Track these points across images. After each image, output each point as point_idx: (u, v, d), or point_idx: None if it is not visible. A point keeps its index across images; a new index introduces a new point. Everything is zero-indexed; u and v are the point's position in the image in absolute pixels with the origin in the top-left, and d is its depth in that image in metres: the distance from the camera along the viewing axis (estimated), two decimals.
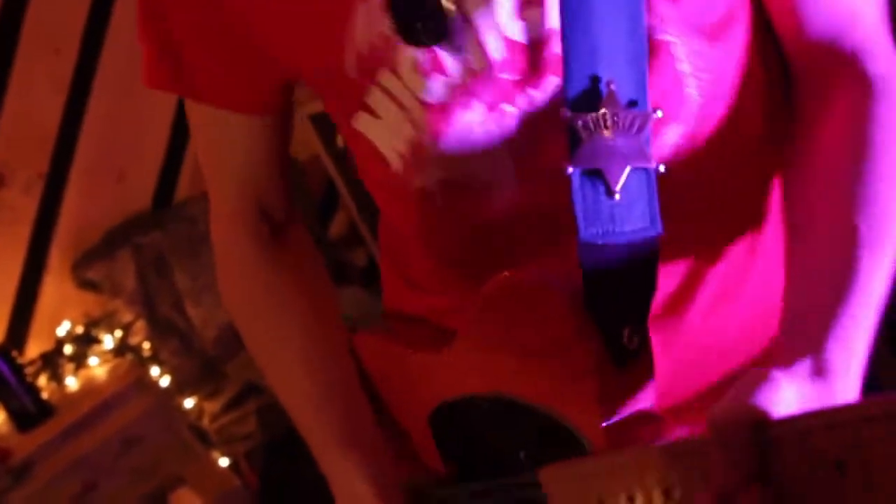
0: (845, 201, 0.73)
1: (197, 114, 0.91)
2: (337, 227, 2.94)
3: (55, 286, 2.77)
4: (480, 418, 0.81)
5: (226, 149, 0.94)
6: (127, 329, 2.58)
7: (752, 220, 0.85)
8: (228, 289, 0.98)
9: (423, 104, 0.76)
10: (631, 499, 0.65)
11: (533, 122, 0.76)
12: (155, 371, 2.51)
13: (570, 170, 0.72)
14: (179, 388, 2.47)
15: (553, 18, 0.73)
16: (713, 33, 0.76)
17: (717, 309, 0.84)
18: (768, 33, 0.83)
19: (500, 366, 0.78)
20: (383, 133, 0.81)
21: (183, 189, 2.82)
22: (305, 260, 0.99)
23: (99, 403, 2.40)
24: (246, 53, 0.84)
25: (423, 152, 0.79)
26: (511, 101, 0.76)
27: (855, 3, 0.80)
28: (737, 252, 0.84)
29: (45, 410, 2.42)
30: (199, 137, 0.94)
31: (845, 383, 0.63)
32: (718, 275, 0.84)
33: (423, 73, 0.76)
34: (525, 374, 0.77)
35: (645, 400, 0.76)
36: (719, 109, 0.79)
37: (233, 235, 0.96)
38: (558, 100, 0.73)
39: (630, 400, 0.76)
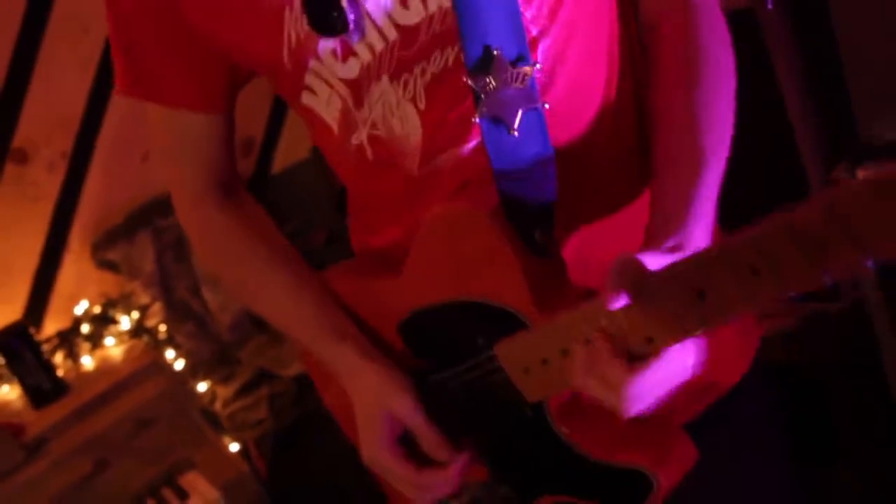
0: (687, 98, 0.96)
1: (156, 115, 1.08)
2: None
3: (75, 265, 2.80)
4: (440, 320, 0.99)
5: (185, 143, 1.11)
6: (144, 311, 2.60)
7: (627, 129, 1.03)
8: (203, 250, 1.17)
9: (344, 81, 0.98)
10: (565, 351, 0.87)
11: (428, 84, 0.96)
12: (170, 354, 2.53)
13: (477, 119, 0.94)
14: (193, 372, 2.49)
15: (431, 5, 0.92)
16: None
17: (612, 205, 1.02)
18: None
19: (446, 276, 0.96)
20: (322, 106, 1.01)
21: None
22: (256, 209, 1.18)
23: (113, 384, 2.42)
24: (200, 56, 1.03)
25: (351, 117, 1.00)
26: (409, 71, 0.95)
27: None
28: (617, 158, 1.03)
29: (60, 388, 2.44)
30: (157, 135, 1.11)
31: (699, 243, 0.85)
32: (606, 177, 1.02)
33: (339, 58, 0.97)
34: (467, 277, 0.95)
35: (562, 281, 0.95)
36: (580, 54, 0.98)
37: (199, 211, 1.14)
38: (450, 66, 0.93)
39: (551, 283, 0.94)
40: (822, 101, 2.14)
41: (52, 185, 2.75)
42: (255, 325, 2.56)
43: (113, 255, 2.68)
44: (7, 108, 2.64)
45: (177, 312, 2.53)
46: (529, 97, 0.95)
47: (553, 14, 0.97)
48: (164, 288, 2.54)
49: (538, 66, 0.94)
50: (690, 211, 0.90)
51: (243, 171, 2.82)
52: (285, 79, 1.03)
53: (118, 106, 2.67)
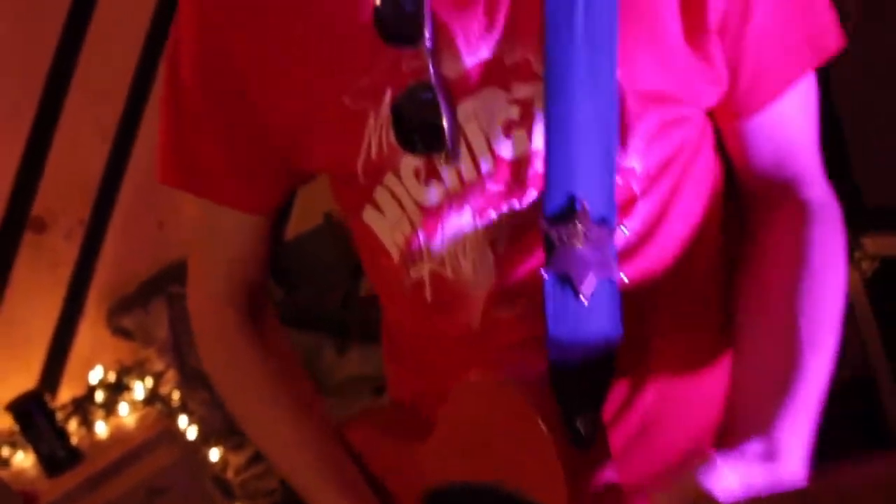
0: (790, 307, 0.85)
1: (197, 206, 0.99)
2: (368, 284, 2.97)
3: (90, 331, 2.81)
4: (469, 498, 0.89)
5: (222, 237, 1.02)
6: (158, 378, 2.61)
7: (708, 316, 0.96)
8: (214, 361, 1.06)
9: (420, 207, 0.89)
10: None
11: (514, 228, 0.88)
12: (183, 421, 2.54)
13: (545, 273, 0.83)
14: (205, 439, 2.49)
15: (537, 140, 0.84)
16: (667, 162, 0.89)
17: (670, 397, 0.94)
18: (723, 158, 0.97)
19: (479, 453, 0.87)
20: (385, 227, 0.92)
21: None
22: (282, 338, 1.09)
23: (127, 452, 2.43)
24: (259, 155, 0.95)
25: (418, 247, 0.91)
26: (496, 208, 0.87)
27: (794, 136, 0.94)
28: (691, 348, 0.95)
29: (73, 456, 2.45)
30: (195, 220, 1.03)
31: (794, 466, 0.71)
32: (671, 368, 0.94)
33: (421, 180, 0.88)
34: (502, 461, 0.85)
35: (607, 478, 0.85)
36: (675, 227, 0.91)
37: (219, 314, 1.04)
38: (538, 211, 0.84)
39: (592, 478, 0.85)
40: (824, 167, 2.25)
41: (69, 253, 2.76)
42: None
43: (128, 322, 2.68)
44: (27, 177, 2.67)
45: (190, 380, 2.54)
46: (607, 263, 0.86)
47: (659, 175, 0.90)
48: (178, 355, 2.55)
49: (625, 230, 0.87)
50: (783, 413, 0.76)
51: None
52: (352, 189, 0.95)
53: (135, 174, 2.72)
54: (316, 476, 0.99)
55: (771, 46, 0.90)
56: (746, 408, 0.81)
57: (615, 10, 0.83)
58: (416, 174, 0.89)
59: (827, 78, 1.99)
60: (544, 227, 0.84)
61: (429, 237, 0.90)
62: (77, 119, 2.69)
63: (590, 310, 0.85)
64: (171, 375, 2.54)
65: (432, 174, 0.88)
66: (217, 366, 1.06)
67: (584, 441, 0.86)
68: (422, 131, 0.86)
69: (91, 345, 2.79)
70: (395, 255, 0.93)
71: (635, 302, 0.89)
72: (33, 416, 2.44)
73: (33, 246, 2.68)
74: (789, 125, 0.94)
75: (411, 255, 0.92)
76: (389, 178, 0.90)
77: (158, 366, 2.62)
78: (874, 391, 2.14)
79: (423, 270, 0.93)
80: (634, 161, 0.88)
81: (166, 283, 2.63)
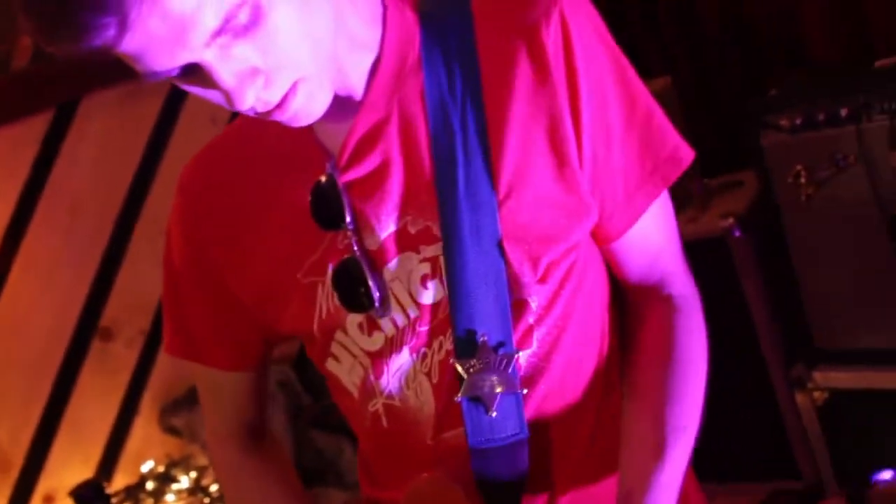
0: (659, 392, 0.97)
1: (195, 368, 1.13)
2: None
3: (143, 429, 2.88)
4: None
5: (219, 393, 1.15)
6: (201, 472, 2.68)
7: (607, 411, 1.03)
8: (224, 485, 1.21)
9: (367, 353, 0.99)
10: None
11: (441, 360, 0.96)
12: None
13: (460, 398, 0.94)
14: None
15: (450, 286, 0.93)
16: (558, 291, 0.97)
17: (584, 496, 1.02)
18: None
19: None
20: (344, 373, 1.02)
21: None
22: (281, 459, 1.20)
23: None
24: (238, 323, 1.06)
25: (371, 386, 1.00)
26: (428, 345, 0.96)
27: (655, 247, 1.03)
28: (593, 437, 1.02)
29: None
30: (199, 382, 1.16)
31: None
32: (577, 454, 1.02)
33: (365, 331, 0.98)
34: None
35: None
36: (571, 341, 0.98)
37: (224, 451, 1.18)
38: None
39: None
40: (782, 312, 2.32)
41: (129, 359, 2.87)
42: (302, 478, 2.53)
43: (177, 422, 2.78)
44: (98, 294, 2.81)
45: None
46: (509, 382, 0.93)
47: (551, 305, 0.96)
48: None
49: (521, 354, 0.94)
50: (649, 492, 0.90)
51: (289, 352, 2.88)
52: (314, 346, 1.03)
53: None
54: None
55: (625, 182, 0.97)
56: (623, 486, 0.93)
57: (489, 173, 0.91)
58: (360, 328, 0.98)
59: (784, 234, 2.19)
60: (452, 362, 0.93)
61: (377, 376, 0.99)
62: (140, 249, 2.85)
63: (499, 421, 0.94)
64: (212, 470, 2.52)
65: (373, 326, 0.97)
66: (220, 476, 1.22)
67: None
68: (355, 294, 0.96)
69: (144, 440, 2.86)
70: (355, 393, 1.02)
71: (541, 406, 0.97)
72: (91, 500, 2.52)
73: (99, 352, 2.80)
74: (649, 239, 1.02)
75: (367, 393, 1.01)
76: (339, 334, 0.99)
77: (202, 461, 2.71)
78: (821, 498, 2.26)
79: (378, 404, 1.00)
80: (529, 297, 0.95)
81: None
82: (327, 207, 0.96)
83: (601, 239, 1.02)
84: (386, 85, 0.94)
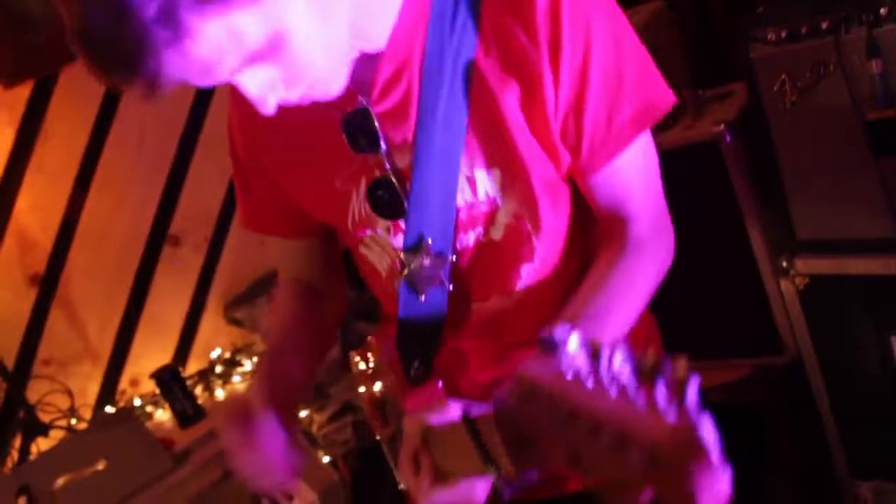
0: (607, 273, 1.03)
1: (269, 238, 1.29)
2: None
3: (211, 321, 3.06)
4: None
5: (283, 254, 1.31)
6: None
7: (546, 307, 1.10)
8: (272, 316, 1.34)
9: (393, 248, 1.13)
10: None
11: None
12: None
13: (398, 284, 1.09)
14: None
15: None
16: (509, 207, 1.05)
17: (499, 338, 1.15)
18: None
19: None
20: (375, 258, 1.16)
21: None
22: (323, 313, 1.31)
23: None
24: (290, 207, 1.20)
25: (396, 270, 1.13)
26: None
27: (627, 187, 1.06)
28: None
29: (199, 413, 2.67)
30: (270, 248, 1.32)
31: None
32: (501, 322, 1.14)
33: (391, 233, 1.11)
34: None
35: (438, 400, 1.03)
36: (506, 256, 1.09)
37: (283, 293, 1.32)
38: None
39: (427, 402, 1.04)
40: (769, 208, 2.40)
41: (196, 262, 3.04)
42: (342, 367, 2.66)
43: (239, 314, 2.95)
44: (167, 206, 2.98)
45: None
46: (439, 279, 1.08)
47: (493, 218, 1.06)
48: None
49: (452, 257, 1.07)
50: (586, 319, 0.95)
51: None
52: (347, 236, 1.16)
53: None
54: (263, 373, 1.22)
55: (604, 126, 1.00)
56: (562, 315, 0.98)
57: (467, 105, 0.98)
58: (388, 230, 1.11)
59: (771, 138, 2.25)
60: (400, 257, 1.07)
61: (401, 264, 1.11)
62: (202, 167, 2.98)
63: (427, 304, 1.08)
64: None
65: (398, 229, 1.10)
66: (271, 310, 1.35)
67: (418, 379, 1.12)
68: (388, 205, 1.07)
69: (211, 331, 3.04)
70: (385, 274, 1.16)
71: (464, 296, 1.10)
72: (169, 382, 2.68)
73: (170, 256, 2.97)
74: (621, 180, 1.05)
75: (392, 275, 1.14)
76: (370, 233, 1.12)
77: (262, 347, 2.81)
78: (804, 377, 2.35)
79: (399, 281, 1.13)
80: (477, 211, 1.04)
81: (268, 285, 2.83)
82: (361, 133, 1.04)
83: (578, 173, 1.07)
84: (404, 38, 1.00)
